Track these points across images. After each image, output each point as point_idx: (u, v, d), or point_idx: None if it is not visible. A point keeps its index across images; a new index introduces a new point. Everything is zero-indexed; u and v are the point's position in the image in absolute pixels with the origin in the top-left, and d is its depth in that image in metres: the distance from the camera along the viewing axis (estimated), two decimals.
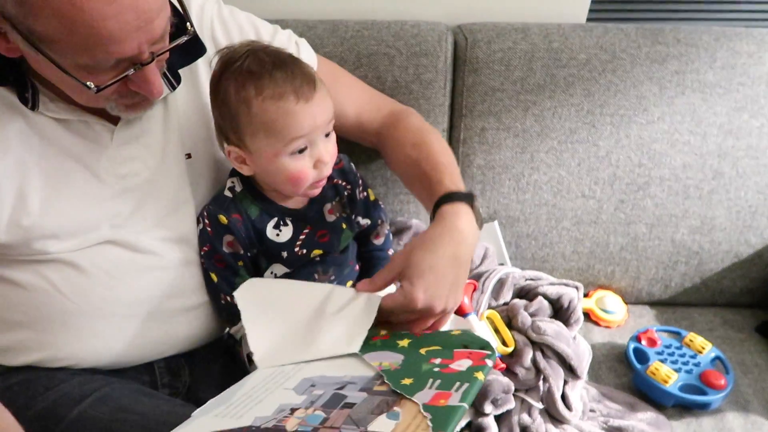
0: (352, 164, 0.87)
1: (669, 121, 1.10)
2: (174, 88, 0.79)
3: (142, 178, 0.78)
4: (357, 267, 0.91)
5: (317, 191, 0.80)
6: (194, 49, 0.80)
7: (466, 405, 0.57)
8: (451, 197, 0.78)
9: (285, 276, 0.84)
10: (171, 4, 0.66)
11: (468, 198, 0.78)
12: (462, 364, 0.65)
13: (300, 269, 0.85)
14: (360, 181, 0.88)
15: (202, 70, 0.83)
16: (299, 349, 0.71)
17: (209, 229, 0.80)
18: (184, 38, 0.68)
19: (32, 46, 0.59)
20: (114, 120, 0.75)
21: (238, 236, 0.80)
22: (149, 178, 0.79)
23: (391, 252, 0.93)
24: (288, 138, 0.73)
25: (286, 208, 0.82)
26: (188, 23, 0.68)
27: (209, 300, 0.84)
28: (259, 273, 0.84)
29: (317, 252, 0.84)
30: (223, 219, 0.79)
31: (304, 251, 0.83)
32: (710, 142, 1.11)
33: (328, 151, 0.76)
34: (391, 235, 0.96)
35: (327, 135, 0.76)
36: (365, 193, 0.89)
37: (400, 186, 1.12)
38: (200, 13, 0.85)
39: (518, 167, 1.12)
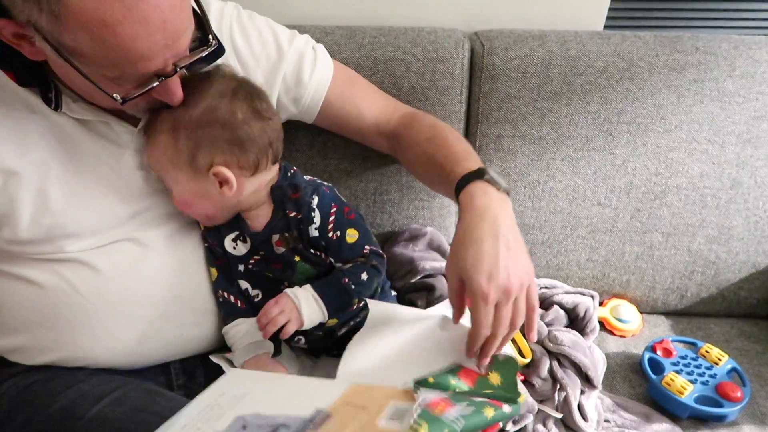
0: (317, 198, 0.80)
1: (687, 129, 1.09)
2: None
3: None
4: None
5: (205, 223, 0.83)
6: (215, 51, 0.80)
7: (458, 429, 0.56)
8: (465, 180, 0.75)
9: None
10: (195, 14, 0.66)
11: (479, 174, 0.75)
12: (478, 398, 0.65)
13: (266, 291, 0.84)
14: (330, 219, 0.80)
15: None
16: (378, 371, 0.71)
17: (202, 227, 0.84)
18: (206, 51, 0.69)
19: (60, 55, 0.60)
20: (134, 122, 0.77)
21: (213, 239, 0.82)
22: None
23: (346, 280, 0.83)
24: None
25: (245, 227, 0.82)
26: (210, 35, 0.69)
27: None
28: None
29: (269, 275, 0.83)
30: (200, 224, 0.84)
31: (257, 269, 0.83)
32: (728, 151, 1.10)
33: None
34: (362, 272, 0.83)
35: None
36: (337, 233, 0.80)
37: (415, 192, 1.12)
38: (219, 17, 0.86)
39: (534, 174, 1.12)
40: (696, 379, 0.97)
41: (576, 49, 1.08)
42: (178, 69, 0.65)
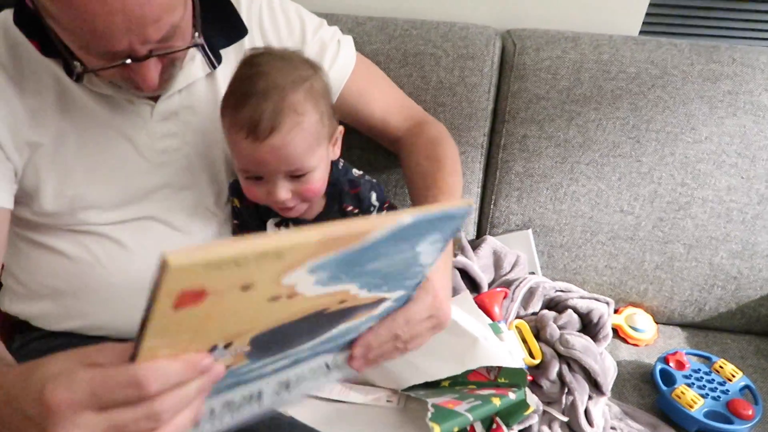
0: (374, 193, 0.82)
1: (717, 141, 1.08)
2: (214, 67, 0.80)
3: (182, 153, 0.81)
4: None
5: (288, 214, 0.78)
6: (235, 31, 0.82)
7: (470, 417, 0.57)
8: None
9: None
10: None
11: None
12: (485, 391, 0.65)
13: None
14: (374, 212, 0.83)
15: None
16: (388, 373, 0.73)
17: (234, 206, 0.84)
18: (182, 48, 0.68)
19: (39, 12, 0.61)
20: (155, 97, 0.78)
21: (249, 221, 0.83)
22: (188, 155, 0.81)
23: None
24: (237, 164, 0.73)
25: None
26: (196, 33, 0.68)
27: None
28: None
29: None
30: (236, 202, 0.83)
31: None
32: (759, 166, 1.08)
33: (286, 189, 0.72)
34: None
35: (295, 176, 0.72)
36: None
37: None
38: (250, 0, 0.86)
39: (557, 177, 1.11)
40: (707, 394, 0.96)
41: (609, 53, 1.07)
42: (152, 55, 0.64)
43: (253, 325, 0.49)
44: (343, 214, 0.82)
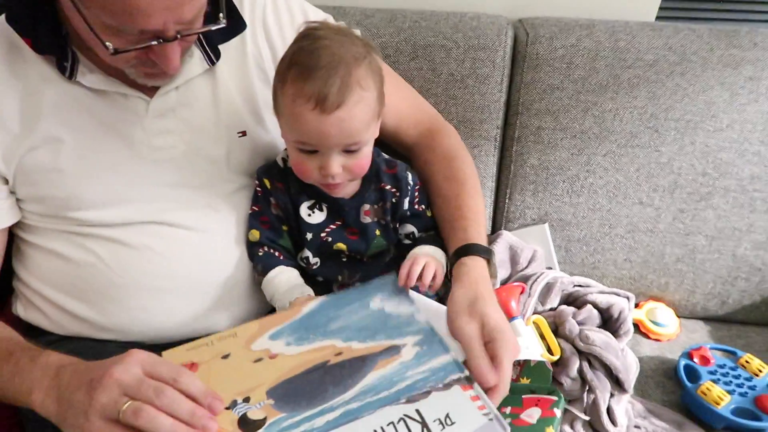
0: (410, 174, 0.85)
1: (739, 129, 1.04)
2: (213, 63, 0.80)
3: (178, 151, 0.80)
4: None
5: (333, 191, 0.80)
6: (232, 26, 0.80)
7: None
8: (473, 249, 0.77)
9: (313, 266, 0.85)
10: None
11: (487, 253, 0.77)
12: (532, 415, 0.67)
13: (326, 261, 0.84)
14: (416, 194, 0.85)
15: (250, 49, 0.84)
16: None
17: (259, 189, 0.83)
18: (213, 27, 0.69)
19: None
20: (151, 93, 0.77)
21: (279, 203, 0.82)
22: (185, 152, 0.80)
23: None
24: (294, 136, 0.73)
25: (326, 195, 0.81)
26: (221, 13, 0.69)
27: (249, 275, 0.85)
28: (297, 248, 0.85)
29: (341, 246, 0.83)
30: (267, 183, 0.82)
31: (329, 239, 0.83)
32: None
33: (338, 164, 0.73)
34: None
35: (348, 151, 0.73)
36: (422, 207, 0.86)
37: None
38: None
39: (573, 169, 1.08)
40: (734, 390, 0.93)
41: (625, 40, 1.04)
42: (179, 36, 0.65)
43: (255, 381, 0.61)
44: (381, 193, 0.83)
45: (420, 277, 0.75)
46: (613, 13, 1.12)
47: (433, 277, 0.76)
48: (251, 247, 0.83)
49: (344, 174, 0.75)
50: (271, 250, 0.83)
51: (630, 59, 1.03)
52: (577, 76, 1.04)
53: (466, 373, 0.63)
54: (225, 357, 0.64)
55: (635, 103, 1.04)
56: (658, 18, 1.17)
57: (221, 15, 0.69)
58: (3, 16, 0.74)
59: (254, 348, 0.65)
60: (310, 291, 0.81)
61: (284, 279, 0.81)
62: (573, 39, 1.04)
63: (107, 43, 0.63)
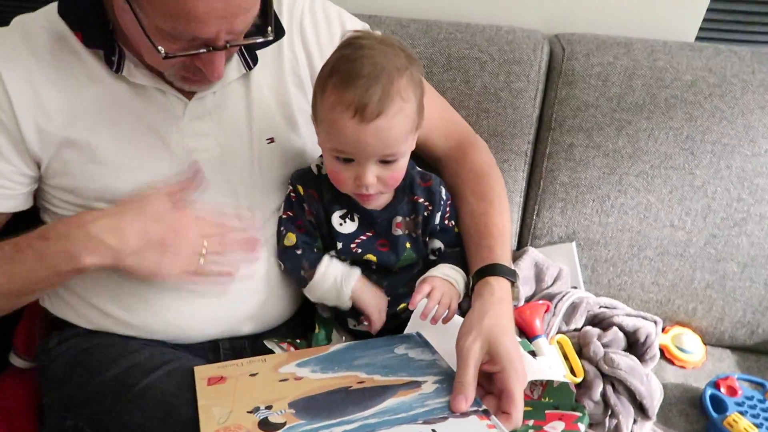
0: (443, 188, 0.84)
1: None
2: (250, 68, 0.80)
3: (211, 154, 0.80)
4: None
5: (366, 202, 0.80)
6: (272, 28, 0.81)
7: None
8: (498, 270, 0.76)
9: None
10: (263, 2, 0.67)
11: (512, 275, 0.77)
12: (555, 427, 0.66)
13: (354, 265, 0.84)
14: (447, 209, 0.85)
15: (287, 54, 0.84)
16: None
17: (293, 195, 0.83)
18: (260, 39, 0.70)
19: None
20: (189, 94, 0.78)
21: (312, 210, 0.82)
22: (219, 156, 0.81)
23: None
24: (332, 143, 0.73)
25: (358, 205, 0.81)
26: (269, 27, 0.69)
27: (275, 283, 0.85)
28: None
29: (371, 257, 0.82)
30: (300, 190, 0.82)
31: (359, 251, 0.82)
32: None
33: (374, 174, 0.73)
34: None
35: (384, 162, 0.73)
36: (452, 223, 0.85)
37: None
38: (292, 3, 0.86)
39: (604, 188, 1.07)
40: (762, 423, 0.91)
41: (664, 60, 1.02)
42: (228, 46, 0.66)
43: (279, 395, 0.65)
44: (414, 206, 0.83)
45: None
46: (651, 32, 1.10)
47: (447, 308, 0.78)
48: (285, 251, 0.83)
49: (378, 185, 0.75)
50: (310, 250, 0.83)
51: (668, 79, 1.02)
52: (612, 94, 1.03)
53: (484, 407, 0.63)
54: (252, 375, 0.68)
55: (671, 123, 1.02)
56: (698, 39, 1.15)
57: (269, 28, 0.69)
58: (49, 8, 0.75)
59: (281, 371, 0.69)
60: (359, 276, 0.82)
61: (337, 264, 0.82)
62: (610, 57, 1.03)
63: (159, 47, 0.64)
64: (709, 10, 1.12)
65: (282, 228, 0.84)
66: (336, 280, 0.82)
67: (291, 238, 0.83)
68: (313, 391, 0.65)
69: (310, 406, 0.62)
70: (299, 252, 0.82)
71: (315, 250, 0.84)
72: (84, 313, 0.83)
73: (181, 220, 0.73)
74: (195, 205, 0.75)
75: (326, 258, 0.83)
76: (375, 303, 0.83)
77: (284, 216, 0.84)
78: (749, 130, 1.01)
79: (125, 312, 0.81)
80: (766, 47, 1.08)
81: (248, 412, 0.62)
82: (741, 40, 1.17)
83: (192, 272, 0.73)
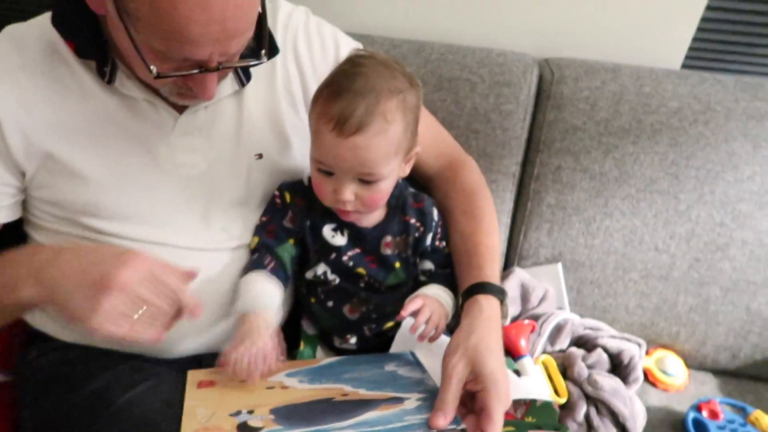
0: (435, 209, 0.85)
1: (760, 181, 1.04)
2: (243, 84, 0.80)
3: (200, 170, 0.80)
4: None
5: (345, 217, 0.79)
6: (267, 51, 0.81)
7: None
8: (487, 288, 0.77)
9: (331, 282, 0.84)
10: (258, 23, 0.67)
11: (501, 294, 0.77)
12: None
13: (344, 280, 0.83)
14: (438, 230, 0.85)
15: (280, 71, 0.84)
16: None
17: (278, 201, 0.83)
18: (253, 62, 0.70)
19: (118, 13, 0.61)
20: (180, 108, 0.77)
21: (296, 217, 0.82)
22: (208, 172, 0.80)
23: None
24: (314, 154, 0.74)
25: (347, 222, 0.81)
26: (263, 50, 0.70)
27: None
28: (303, 266, 0.85)
29: (361, 270, 0.82)
30: (287, 197, 0.82)
31: (351, 264, 0.82)
32: None
33: (351, 191, 0.73)
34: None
35: (364, 181, 0.73)
36: (442, 243, 0.86)
37: None
38: (287, 20, 0.86)
39: (590, 211, 1.08)
40: None
41: (650, 86, 1.04)
42: (221, 68, 0.66)
43: (263, 401, 0.67)
44: (405, 226, 0.83)
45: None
46: (639, 58, 1.12)
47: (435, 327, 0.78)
48: (250, 254, 0.83)
49: (356, 203, 0.75)
50: (263, 258, 0.80)
51: (654, 105, 1.04)
52: (600, 118, 1.04)
53: (462, 426, 0.64)
54: (242, 382, 0.70)
55: (657, 148, 1.04)
56: (683, 66, 1.17)
57: (263, 51, 0.70)
58: (41, 17, 0.75)
59: (270, 379, 0.71)
60: (272, 316, 0.75)
61: (271, 287, 0.77)
62: (598, 81, 1.05)
63: (151, 67, 0.64)
64: (694, 39, 1.15)
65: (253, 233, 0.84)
66: (256, 295, 0.77)
67: (253, 241, 0.83)
68: (296, 400, 0.67)
69: (291, 414, 0.64)
70: (254, 256, 0.82)
71: (272, 254, 0.80)
72: (64, 324, 0.82)
73: (127, 276, 0.63)
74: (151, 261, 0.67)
75: (265, 273, 0.78)
76: (247, 337, 0.71)
77: (258, 222, 0.84)
78: (732, 156, 1.03)
79: None
80: (749, 76, 1.10)
81: (230, 415, 0.64)
82: (725, 69, 1.20)
83: (122, 332, 0.63)
